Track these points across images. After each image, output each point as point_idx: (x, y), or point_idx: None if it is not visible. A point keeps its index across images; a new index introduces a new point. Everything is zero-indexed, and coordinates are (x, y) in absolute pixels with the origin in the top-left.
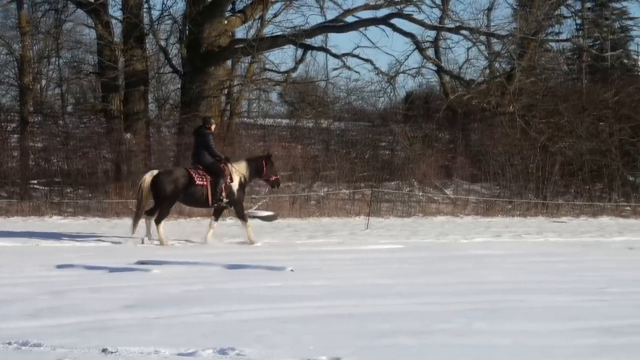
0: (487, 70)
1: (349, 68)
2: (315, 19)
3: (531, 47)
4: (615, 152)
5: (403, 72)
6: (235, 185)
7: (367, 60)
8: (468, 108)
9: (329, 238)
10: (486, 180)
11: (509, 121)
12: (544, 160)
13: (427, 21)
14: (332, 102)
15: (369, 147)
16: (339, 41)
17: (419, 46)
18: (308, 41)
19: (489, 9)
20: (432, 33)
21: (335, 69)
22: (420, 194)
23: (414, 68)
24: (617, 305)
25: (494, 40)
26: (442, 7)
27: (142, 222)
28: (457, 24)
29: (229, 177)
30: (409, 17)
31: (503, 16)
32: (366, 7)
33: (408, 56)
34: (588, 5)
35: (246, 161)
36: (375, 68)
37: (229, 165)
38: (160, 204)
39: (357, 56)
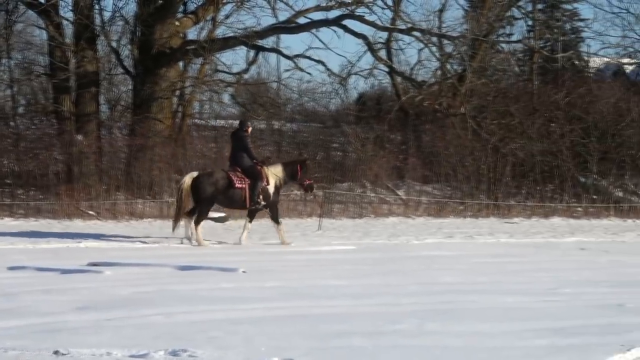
0: (439, 72)
1: (300, 69)
2: (267, 20)
3: (482, 49)
4: (567, 153)
5: (355, 73)
6: (271, 188)
7: (319, 62)
8: (420, 109)
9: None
10: (438, 181)
11: (461, 122)
12: (496, 161)
13: (378, 22)
14: (284, 103)
15: (320, 149)
16: (291, 42)
17: (370, 47)
18: (260, 42)
19: (441, 11)
20: (384, 34)
21: (287, 70)
22: (372, 195)
23: (365, 69)
24: (568, 306)
25: (445, 41)
26: (393, 8)
27: (182, 222)
28: (409, 25)
29: (265, 180)
30: (360, 19)
31: (454, 17)
32: (318, 8)
33: (360, 57)
34: (539, 6)
35: (282, 165)
36: (327, 69)
37: (266, 168)
38: (200, 205)
39: (309, 57)
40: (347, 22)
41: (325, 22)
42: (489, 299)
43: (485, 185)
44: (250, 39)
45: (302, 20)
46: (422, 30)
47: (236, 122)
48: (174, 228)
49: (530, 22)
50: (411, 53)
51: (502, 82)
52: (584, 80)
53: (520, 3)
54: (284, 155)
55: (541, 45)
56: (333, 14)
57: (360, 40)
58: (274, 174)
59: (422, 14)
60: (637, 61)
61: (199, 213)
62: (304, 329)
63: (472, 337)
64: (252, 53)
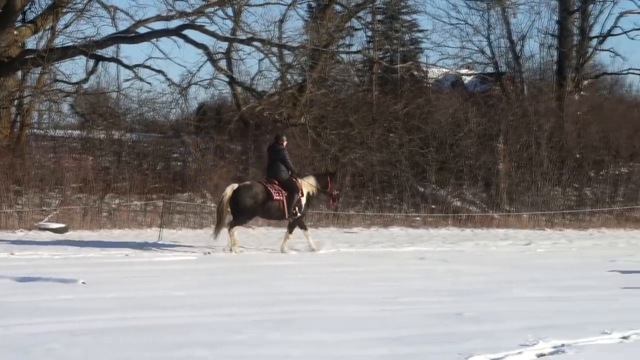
0: (279, 82)
1: (140, 79)
2: (107, 30)
3: (322, 59)
4: (405, 163)
5: (195, 83)
6: (304, 200)
7: (159, 72)
8: (260, 119)
9: (121, 250)
10: None
11: (301, 132)
12: (336, 170)
13: (219, 32)
14: (124, 113)
15: (160, 159)
16: (131, 52)
17: (211, 57)
18: (99, 52)
19: (281, 21)
20: (224, 44)
21: (127, 80)
22: (213, 205)
23: (206, 79)
24: (408, 315)
25: (285, 51)
26: (234, 18)
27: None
28: (249, 35)
29: (300, 191)
30: (201, 29)
31: (295, 28)
32: (158, 18)
33: (200, 67)
34: (379, 17)
35: (315, 176)
36: (167, 79)
37: (300, 180)
38: (239, 216)
39: (149, 67)
40: (188, 32)
41: (166, 32)
42: (330, 308)
43: (324, 195)
44: (89, 49)
45: (142, 30)
46: (262, 41)
47: (76, 133)
48: (215, 236)
49: (369, 33)
50: (251, 63)
51: (341, 92)
52: (423, 91)
53: (359, 14)
54: (123, 166)
55: (380, 55)
56: (174, 23)
57: (200, 51)
58: (308, 185)
59: (263, 24)
60: (475, 72)
61: (235, 221)
62: (144, 340)
63: (313, 346)
64: (91, 63)
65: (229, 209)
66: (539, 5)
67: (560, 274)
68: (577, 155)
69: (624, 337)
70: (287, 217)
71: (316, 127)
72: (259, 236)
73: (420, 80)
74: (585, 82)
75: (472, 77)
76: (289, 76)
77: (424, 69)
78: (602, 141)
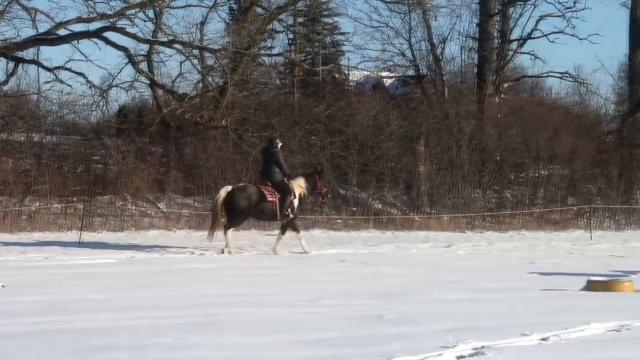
0: (200, 84)
1: (61, 81)
2: (27, 32)
3: (244, 61)
4: (327, 165)
5: (116, 85)
6: (296, 201)
7: (79, 74)
8: (181, 122)
9: (41, 253)
10: (199, 194)
11: (222, 135)
12: (257, 173)
13: (140, 35)
14: (44, 115)
15: (81, 161)
16: (52, 54)
17: (132, 60)
18: (20, 54)
19: (202, 23)
20: (145, 47)
21: (48, 82)
22: (133, 208)
23: (127, 81)
24: (329, 317)
25: (207, 54)
26: (155, 20)
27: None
28: (170, 37)
29: (293, 193)
30: (122, 31)
31: (216, 30)
32: (79, 20)
33: (121, 70)
34: (300, 20)
35: (304, 177)
36: (88, 81)
37: (292, 181)
38: (233, 217)
39: (69, 69)
40: (109, 34)
41: (87, 34)
42: (251, 311)
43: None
44: (9, 50)
45: (63, 32)
46: (183, 43)
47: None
48: (210, 239)
49: (291, 36)
50: (173, 66)
51: (263, 94)
52: (344, 93)
53: (281, 16)
54: (44, 169)
55: (302, 58)
56: (94, 25)
57: (121, 53)
58: (298, 186)
59: (184, 26)
60: (396, 75)
61: (230, 223)
62: (64, 344)
63: (234, 349)
64: (11, 64)
65: (223, 211)
66: (459, 9)
67: (480, 276)
68: (498, 158)
69: (543, 339)
70: (279, 218)
71: (238, 130)
72: (181, 239)
73: (341, 83)
74: (506, 85)
75: (393, 79)
76: (210, 78)
77: (346, 71)
78: (522, 144)
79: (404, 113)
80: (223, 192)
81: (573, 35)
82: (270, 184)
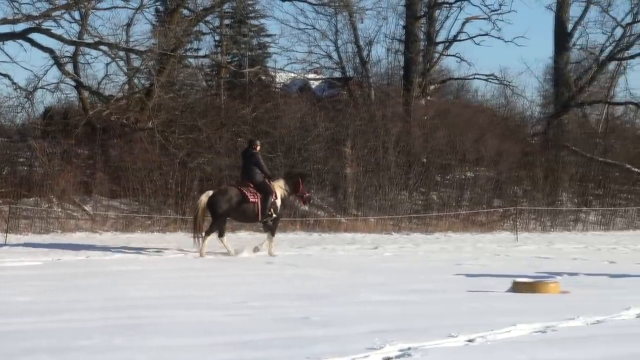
0: (127, 86)
1: None
2: None
3: (170, 63)
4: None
5: (42, 87)
6: (278, 202)
7: (5, 75)
8: (107, 124)
9: None
10: (125, 196)
11: (149, 137)
12: (184, 175)
13: (66, 36)
14: None
15: (7, 163)
16: None
17: (57, 61)
18: None
19: (128, 25)
20: (71, 48)
21: None
22: (59, 210)
23: (52, 83)
24: (256, 319)
25: (133, 55)
26: (81, 22)
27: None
28: (97, 39)
29: (274, 194)
30: (47, 32)
31: (142, 32)
32: (4, 21)
33: (47, 71)
34: (227, 22)
35: (284, 179)
36: (14, 83)
37: (272, 182)
38: (215, 221)
39: None
40: (34, 36)
41: (12, 35)
42: (177, 313)
43: (173, 200)
44: None
45: None
46: (109, 45)
47: None
48: (194, 242)
49: (217, 37)
50: (99, 67)
51: (189, 96)
52: (271, 95)
53: (207, 18)
54: None
55: (229, 60)
56: (20, 27)
57: (47, 54)
58: (278, 187)
59: (110, 28)
60: (322, 77)
61: (213, 227)
62: None
63: (160, 352)
64: None
65: (207, 215)
66: (386, 11)
67: (406, 278)
68: (424, 160)
69: (470, 340)
70: (261, 219)
71: (164, 132)
72: (107, 241)
73: (268, 85)
74: (432, 87)
75: (319, 81)
76: (136, 80)
77: (272, 73)
78: (448, 146)
79: (331, 115)
80: (204, 197)
81: (499, 38)
82: (251, 185)
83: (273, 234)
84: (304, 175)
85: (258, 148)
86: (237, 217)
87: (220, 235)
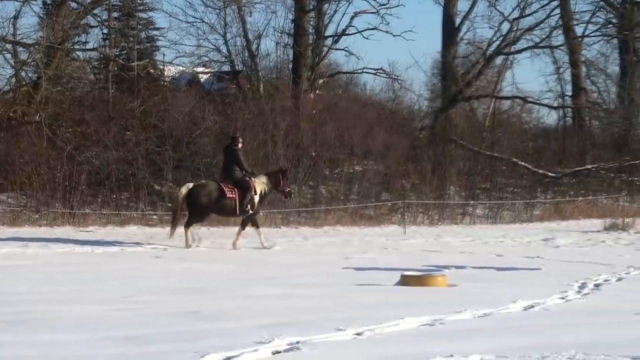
0: (14, 79)
1: None
2: None
3: (58, 56)
4: (142, 161)
5: None
6: (257, 197)
7: None
8: None
9: None
10: (12, 189)
11: (36, 130)
12: (71, 169)
13: None
14: None
15: None
16: None
17: None
18: None
19: (15, 17)
20: None
21: None
22: None
23: None
24: (143, 314)
25: (20, 48)
26: None
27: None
28: None
29: (253, 190)
30: None
31: (29, 25)
32: None
33: None
34: (115, 15)
35: (266, 175)
36: None
37: (253, 179)
38: (194, 213)
39: None
40: None
41: None
42: (64, 308)
43: (60, 194)
44: None
45: None
46: None
47: None
48: (171, 234)
49: (105, 30)
50: None
51: (77, 90)
52: (160, 89)
53: (95, 11)
54: None
55: (117, 53)
56: None
57: None
58: (260, 183)
59: None
60: (211, 70)
61: (191, 218)
62: None
63: (47, 347)
64: None
65: (184, 207)
66: (274, 4)
67: (295, 272)
68: (313, 154)
69: (358, 334)
70: (238, 214)
71: (52, 125)
72: None
73: (156, 78)
74: (321, 81)
75: (208, 75)
76: (23, 73)
77: (161, 67)
78: (337, 139)
79: (220, 109)
80: (184, 189)
81: (387, 32)
82: (230, 181)
83: (244, 228)
84: (285, 171)
85: (240, 145)
86: (216, 211)
87: (187, 225)
